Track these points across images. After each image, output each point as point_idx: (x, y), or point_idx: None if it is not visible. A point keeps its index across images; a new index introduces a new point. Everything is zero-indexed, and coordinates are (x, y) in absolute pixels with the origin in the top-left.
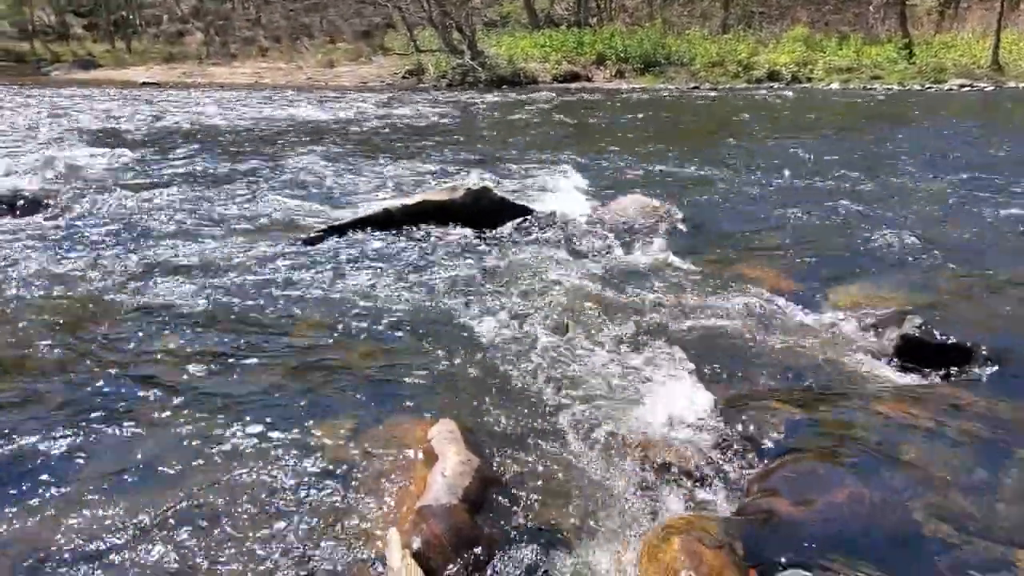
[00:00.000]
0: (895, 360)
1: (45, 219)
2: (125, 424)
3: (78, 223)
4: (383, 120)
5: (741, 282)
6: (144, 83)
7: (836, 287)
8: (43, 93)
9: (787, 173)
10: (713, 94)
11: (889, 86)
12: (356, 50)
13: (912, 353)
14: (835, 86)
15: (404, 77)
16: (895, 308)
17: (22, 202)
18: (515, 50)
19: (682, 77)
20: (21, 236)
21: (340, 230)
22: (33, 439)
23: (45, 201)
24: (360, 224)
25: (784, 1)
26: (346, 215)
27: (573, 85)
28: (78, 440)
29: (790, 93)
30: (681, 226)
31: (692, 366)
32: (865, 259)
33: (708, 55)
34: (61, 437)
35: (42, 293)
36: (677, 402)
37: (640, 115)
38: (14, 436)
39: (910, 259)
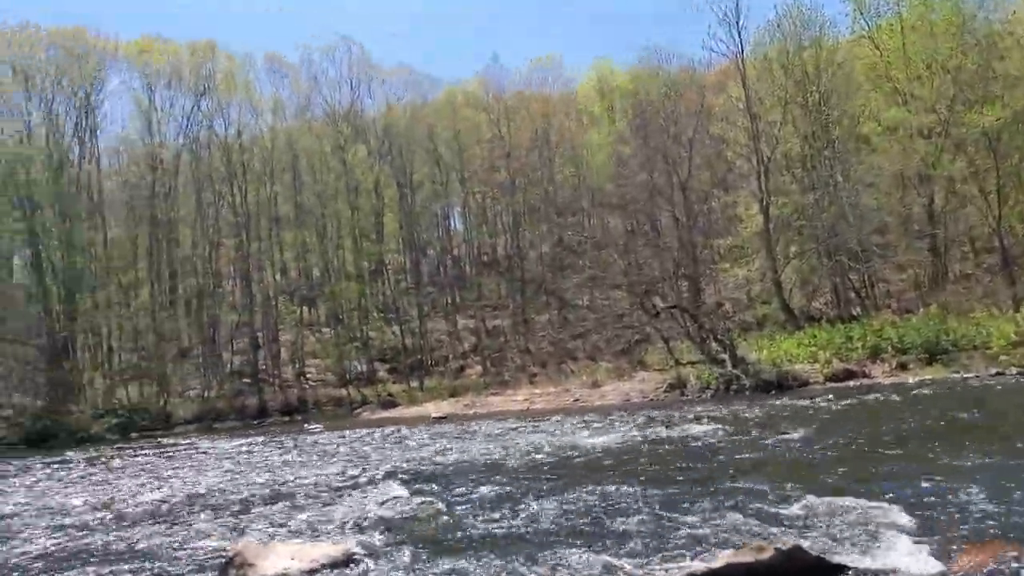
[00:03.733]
0: None
1: None
2: None
3: None
4: (654, 444)
5: None
6: (436, 417)
7: None
8: (351, 434)
9: None
10: None
11: None
12: (617, 368)
13: None
14: None
15: (666, 391)
16: None
17: (351, 565)
18: (777, 352)
19: (978, 363)
20: None
21: None
22: None
23: (363, 561)
24: None
25: None
26: None
27: (849, 383)
28: None
29: None
30: None
31: None
32: None
33: (1005, 335)
34: None
35: None
36: None
37: (943, 413)
38: None
39: None
